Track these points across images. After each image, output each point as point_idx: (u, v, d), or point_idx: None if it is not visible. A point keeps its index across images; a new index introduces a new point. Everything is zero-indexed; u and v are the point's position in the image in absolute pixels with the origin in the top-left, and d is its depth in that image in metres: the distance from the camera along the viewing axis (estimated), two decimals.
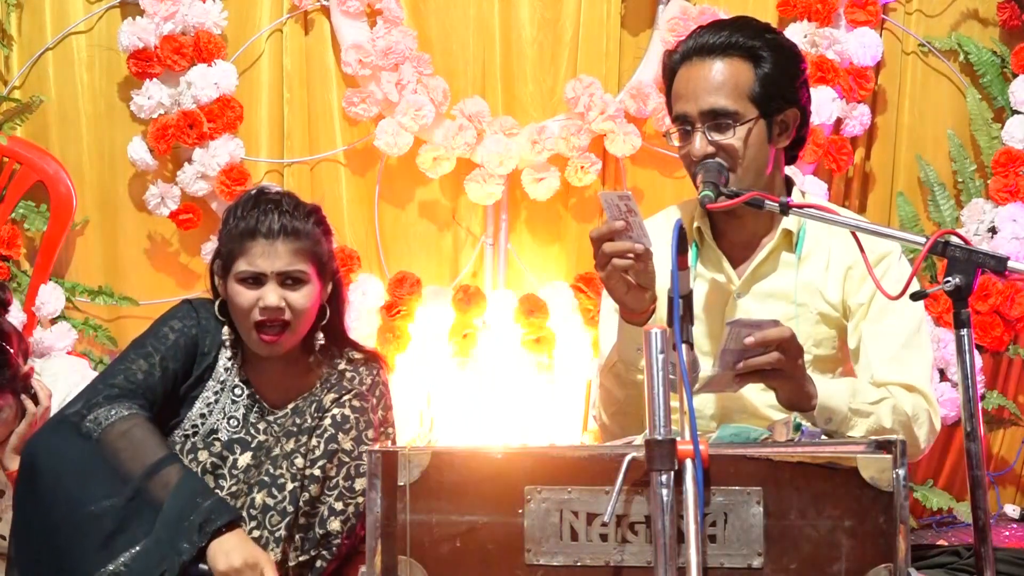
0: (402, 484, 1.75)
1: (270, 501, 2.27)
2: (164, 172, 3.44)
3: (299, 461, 2.30)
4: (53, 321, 3.34)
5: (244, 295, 2.28)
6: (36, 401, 2.55)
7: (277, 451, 2.33)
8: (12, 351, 2.50)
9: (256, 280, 2.28)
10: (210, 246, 3.35)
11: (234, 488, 2.30)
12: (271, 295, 2.27)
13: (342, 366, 2.41)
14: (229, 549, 2.13)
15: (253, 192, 2.38)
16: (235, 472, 2.31)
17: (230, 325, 2.37)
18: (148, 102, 3.34)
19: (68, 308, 3.39)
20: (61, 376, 2.67)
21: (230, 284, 2.31)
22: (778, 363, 2.02)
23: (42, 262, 3.37)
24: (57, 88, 3.43)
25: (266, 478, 2.30)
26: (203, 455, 2.33)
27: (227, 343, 2.37)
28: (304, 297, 2.31)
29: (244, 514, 2.26)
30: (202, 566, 2.13)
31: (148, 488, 2.18)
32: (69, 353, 3.27)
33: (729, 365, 2.01)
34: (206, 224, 3.40)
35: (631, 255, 2.08)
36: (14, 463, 2.53)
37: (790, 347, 2.03)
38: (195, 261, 3.46)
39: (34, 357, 2.72)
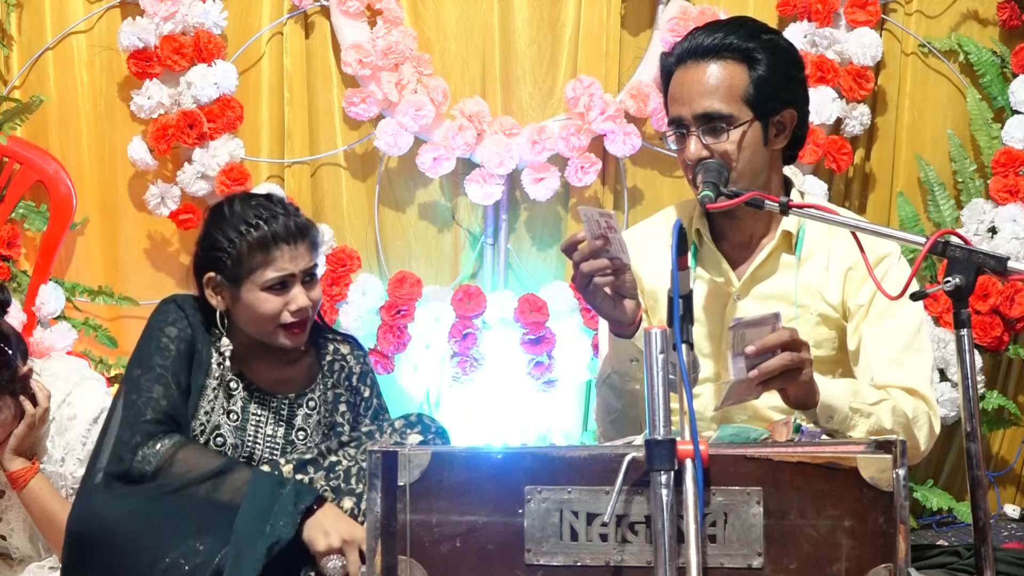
0: (402, 484, 1.75)
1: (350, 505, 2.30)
2: (164, 172, 3.44)
3: (351, 451, 2.33)
4: (53, 321, 3.34)
5: (272, 302, 2.33)
6: (35, 402, 2.55)
7: (334, 457, 2.34)
8: (11, 352, 2.50)
9: (283, 284, 2.33)
10: None
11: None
12: (301, 297, 2.34)
13: (332, 348, 2.50)
14: (327, 527, 2.16)
15: (238, 201, 2.38)
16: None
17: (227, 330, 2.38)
18: (148, 102, 3.34)
19: (68, 308, 3.38)
20: (61, 376, 2.67)
21: (250, 294, 2.33)
22: (791, 362, 2.02)
23: (42, 262, 3.37)
24: (57, 88, 3.43)
25: (342, 484, 2.31)
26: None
27: (220, 347, 2.38)
28: (319, 290, 2.41)
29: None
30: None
31: (219, 496, 2.20)
32: (69, 353, 3.26)
33: (744, 371, 2.00)
34: None
35: (609, 271, 2.09)
36: (13, 464, 2.53)
37: (794, 345, 2.03)
38: None
39: (34, 357, 2.72)
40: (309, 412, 2.41)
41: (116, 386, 3.25)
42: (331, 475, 2.32)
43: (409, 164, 3.48)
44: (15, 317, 3.17)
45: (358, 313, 3.41)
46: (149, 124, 3.37)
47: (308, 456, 2.33)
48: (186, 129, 3.33)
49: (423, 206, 3.56)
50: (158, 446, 2.24)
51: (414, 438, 2.36)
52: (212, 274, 2.36)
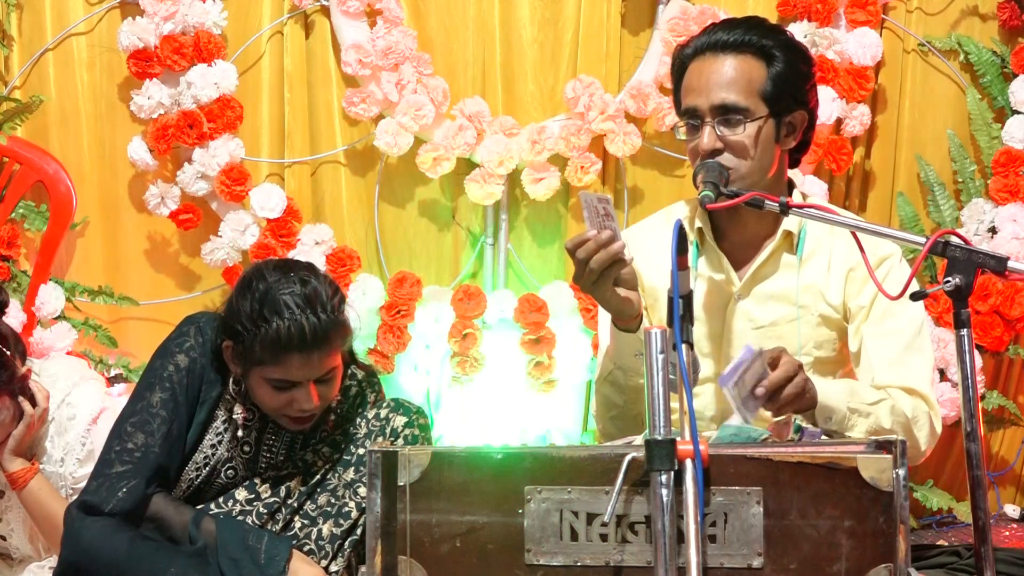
0: (402, 484, 1.76)
1: (336, 530, 2.28)
2: (164, 172, 3.43)
3: (362, 490, 2.30)
4: (53, 321, 3.34)
5: (276, 398, 2.24)
6: (34, 403, 2.55)
7: (335, 480, 2.32)
8: (9, 353, 2.50)
9: (291, 384, 2.23)
10: (210, 246, 3.35)
11: (284, 516, 2.30)
12: (306, 400, 2.23)
13: (348, 372, 2.42)
14: None
15: (273, 278, 2.23)
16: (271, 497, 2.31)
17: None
18: (148, 102, 3.34)
19: (68, 308, 3.38)
20: (61, 377, 2.67)
21: (255, 382, 2.24)
22: (797, 393, 2.06)
23: (42, 262, 3.37)
24: (57, 88, 3.42)
25: (329, 509, 2.30)
26: (219, 483, 2.34)
27: (233, 390, 2.32)
28: (335, 384, 2.29)
29: (313, 546, 2.27)
30: None
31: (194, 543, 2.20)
32: (69, 353, 3.27)
33: (755, 409, 2.02)
34: (206, 224, 3.40)
35: (621, 258, 2.09)
36: (13, 465, 2.53)
37: (795, 374, 2.07)
38: (195, 261, 3.46)
39: (33, 357, 2.71)
40: (321, 440, 2.39)
41: (115, 386, 3.27)
42: (307, 476, 2.31)
43: (409, 164, 3.48)
44: (15, 317, 3.17)
45: (358, 313, 3.40)
46: (149, 124, 3.37)
47: (284, 471, 2.33)
48: (186, 129, 3.33)
49: (423, 206, 3.56)
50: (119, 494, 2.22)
51: (399, 420, 2.32)
52: (229, 343, 2.25)
